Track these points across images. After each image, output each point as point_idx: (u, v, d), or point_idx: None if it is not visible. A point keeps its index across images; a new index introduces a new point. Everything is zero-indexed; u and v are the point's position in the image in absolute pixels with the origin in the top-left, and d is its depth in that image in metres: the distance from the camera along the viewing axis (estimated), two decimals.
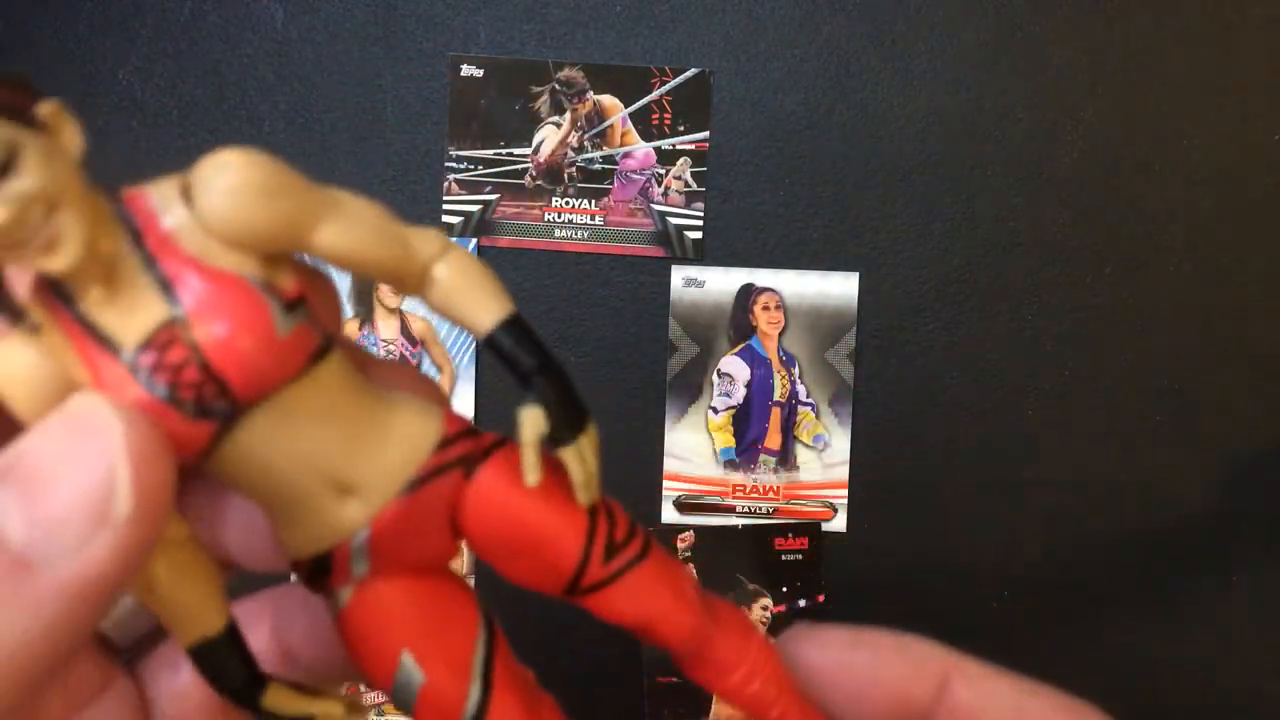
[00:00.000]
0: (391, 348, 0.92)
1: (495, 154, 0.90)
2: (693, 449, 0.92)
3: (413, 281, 0.23)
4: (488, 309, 0.22)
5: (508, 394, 0.89)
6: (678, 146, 0.90)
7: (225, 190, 0.21)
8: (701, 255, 0.91)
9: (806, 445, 0.92)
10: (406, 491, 0.21)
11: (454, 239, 0.91)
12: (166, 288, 0.20)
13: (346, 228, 0.22)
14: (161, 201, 0.21)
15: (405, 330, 0.91)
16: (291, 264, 0.22)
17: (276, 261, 0.21)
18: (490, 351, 0.23)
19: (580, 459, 0.23)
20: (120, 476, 0.18)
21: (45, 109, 0.21)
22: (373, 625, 0.22)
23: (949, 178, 0.90)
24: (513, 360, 0.23)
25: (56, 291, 0.20)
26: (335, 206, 0.22)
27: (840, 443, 0.92)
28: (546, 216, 0.91)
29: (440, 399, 0.24)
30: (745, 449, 0.92)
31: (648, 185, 0.90)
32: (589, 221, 0.91)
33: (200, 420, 0.20)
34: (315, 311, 0.22)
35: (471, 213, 0.91)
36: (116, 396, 0.19)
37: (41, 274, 0.20)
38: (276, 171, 0.22)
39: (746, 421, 0.92)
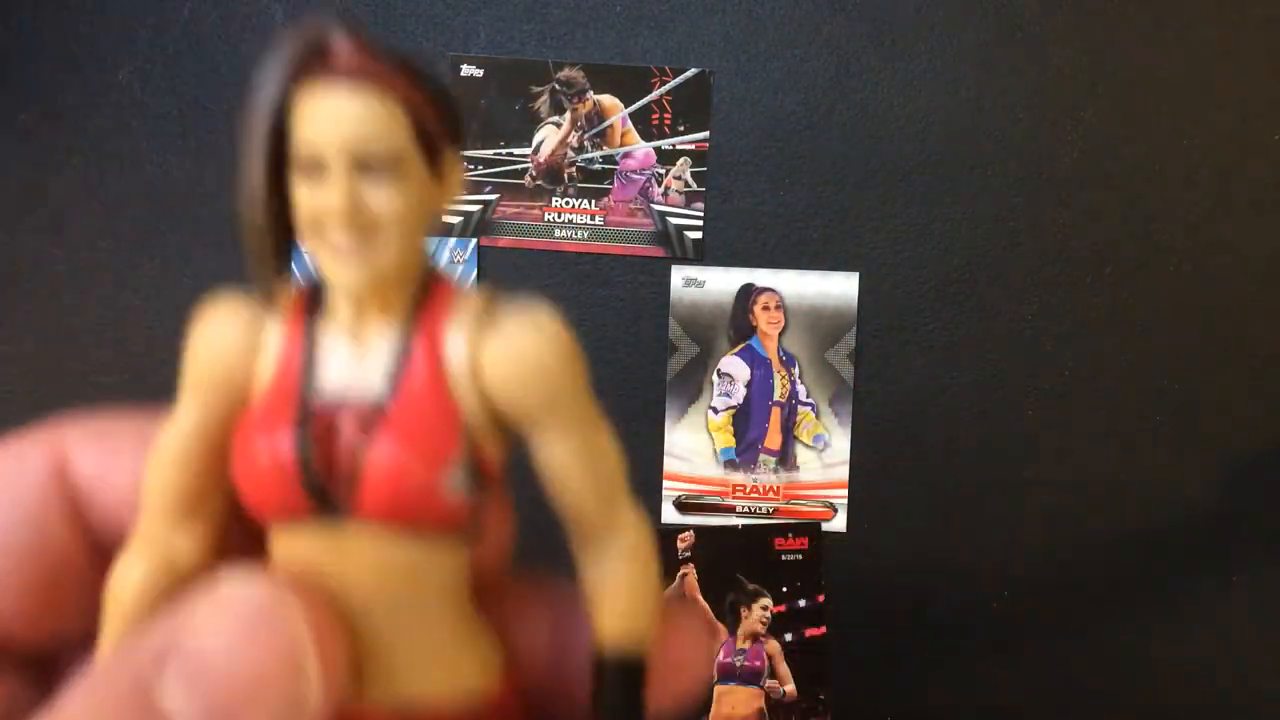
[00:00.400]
0: None
1: (495, 154, 0.90)
2: (693, 449, 0.92)
3: (586, 533, 0.22)
4: (623, 623, 0.21)
5: None
6: (678, 146, 0.90)
7: (526, 348, 0.21)
8: (701, 255, 0.91)
9: (806, 445, 0.92)
10: (407, 712, 0.20)
11: (454, 240, 0.91)
12: (395, 373, 0.20)
13: (581, 451, 0.21)
14: (460, 300, 0.21)
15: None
16: (505, 443, 0.22)
17: (499, 429, 0.21)
18: (593, 662, 0.21)
19: None
20: (309, 664, 0.18)
21: (451, 149, 0.21)
22: None
23: (949, 178, 0.90)
24: (604, 693, 0.21)
25: (312, 296, 0.21)
26: (588, 425, 0.22)
27: (840, 443, 0.92)
28: (546, 216, 0.91)
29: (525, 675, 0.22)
30: (745, 449, 0.92)
31: (648, 185, 0.91)
32: (589, 221, 0.91)
33: (305, 493, 0.19)
34: (485, 505, 0.21)
35: (471, 213, 0.91)
36: (261, 413, 0.20)
37: (326, 275, 0.20)
38: (575, 364, 0.22)
39: (746, 421, 0.92)
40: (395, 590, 0.20)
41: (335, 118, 0.19)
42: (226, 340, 0.20)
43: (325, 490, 0.19)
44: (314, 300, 0.20)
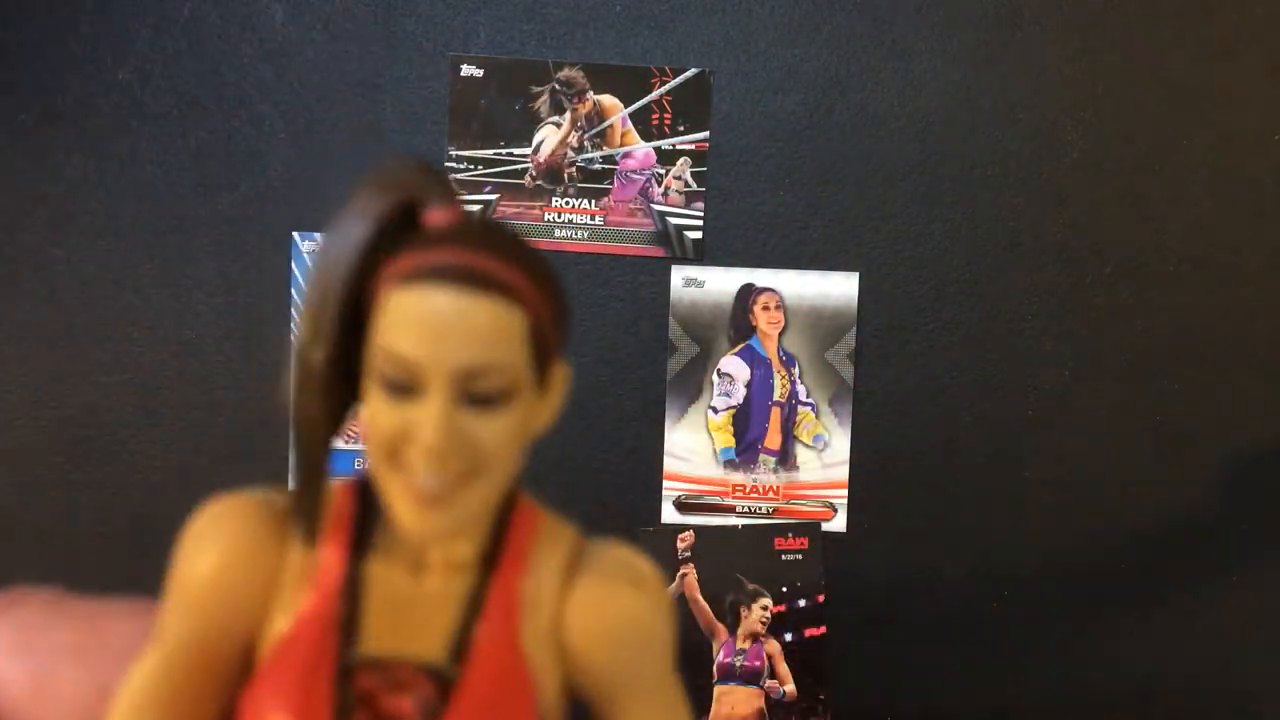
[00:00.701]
0: None
1: (495, 154, 0.90)
2: (693, 449, 0.92)
3: None
4: None
5: None
6: (678, 146, 0.90)
7: (624, 609, 0.16)
8: (701, 255, 0.91)
9: (806, 445, 0.92)
10: None
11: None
12: (461, 639, 0.14)
13: (658, 711, 0.18)
14: (545, 536, 0.16)
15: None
16: (566, 714, 0.17)
17: (564, 699, 0.17)
18: None
19: None
20: None
21: (562, 367, 0.16)
22: None
23: (949, 178, 0.90)
24: None
25: (360, 511, 0.15)
26: (671, 699, 0.17)
27: (840, 443, 0.92)
28: (546, 216, 0.91)
29: None
30: (745, 449, 0.92)
31: (648, 185, 0.90)
32: (589, 221, 0.91)
33: None
34: None
35: (472, 213, 0.91)
36: (284, 678, 0.14)
37: (398, 515, 0.15)
38: (670, 630, 0.17)
39: (746, 421, 0.92)
40: None
41: (444, 326, 0.14)
42: (241, 564, 0.15)
43: None
44: (362, 517, 0.15)
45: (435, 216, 0.14)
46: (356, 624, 0.14)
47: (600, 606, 0.16)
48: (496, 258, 0.14)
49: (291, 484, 0.14)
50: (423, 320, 0.14)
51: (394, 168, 0.15)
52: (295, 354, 0.14)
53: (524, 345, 0.14)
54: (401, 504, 0.14)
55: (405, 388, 0.14)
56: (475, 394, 0.14)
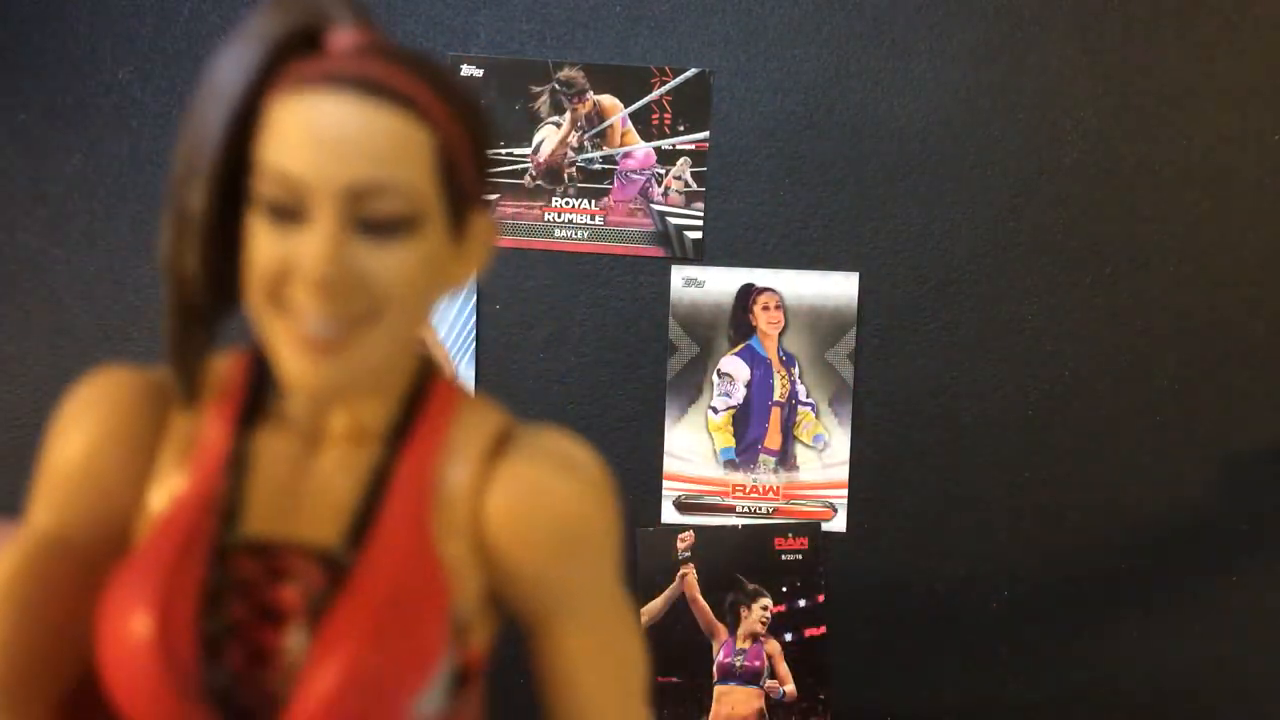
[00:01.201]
0: None
1: (495, 154, 0.90)
2: (693, 449, 0.92)
3: None
4: None
5: (505, 394, 0.89)
6: (678, 146, 0.90)
7: (554, 499, 0.14)
8: (701, 255, 0.91)
9: (806, 445, 0.92)
10: None
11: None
12: (363, 520, 0.13)
13: (603, 650, 0.14)
14: (465, 413, 0.14)
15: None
16: (495, 621, 0.14)
17: (490, 608, 0.14)
18: None
19: None
20: None
21: (482, 198, 0.13)
22: None
23: (949, 178, 0.90)
24: None
25: (251, 380, 0.13)
26: (614, 615, 0.14)
27: (840, 443, 0.92)
28: (546, 216, 0.91)
29: None
30: (745, 449, 0.92)
31: (648, 185, 0.90)
32: (589, 221, 0.91)
33: (185, 703, 0.12)
34: (460, 711, 0.14)
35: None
36: (149, 562, 0.12)
37: (281, 366, 0.13)
38: (612, 527, 0.14)
39: (746, 421, 0.92)
40: None
41: (332, 138, 0.12)
42: (114, 446, 0.13)
43: (233, 700, 0.12)
44: (254, 387, 0.13)
45: (341, 39, 0.12)
46: (240, 504, 0.12)
47: (527, 498, 0.13)
48: (401, 70, 0.12)
49: (161, 353, 0.13)
50: (310, 131, 0.12)
51: None
52: (167, 198, 0.12)
53: (430, 170, 0.12)
54: (286, 352, 0.12)
55: (289, 211, 0.12)
56: (369, 218, 0.12)
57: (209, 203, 0.11)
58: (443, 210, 0.13)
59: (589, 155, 0.90)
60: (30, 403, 0.92)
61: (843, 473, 0.92)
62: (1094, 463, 0.91)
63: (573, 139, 0.90)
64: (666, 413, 0.91)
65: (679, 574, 0.89)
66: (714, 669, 0.90)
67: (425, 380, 0.14)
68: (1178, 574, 0.92)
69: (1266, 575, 0.92)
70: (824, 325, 0.91)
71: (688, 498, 0.92)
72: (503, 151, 0.90)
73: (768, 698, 0.90)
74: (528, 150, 0.90)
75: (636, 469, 0.91)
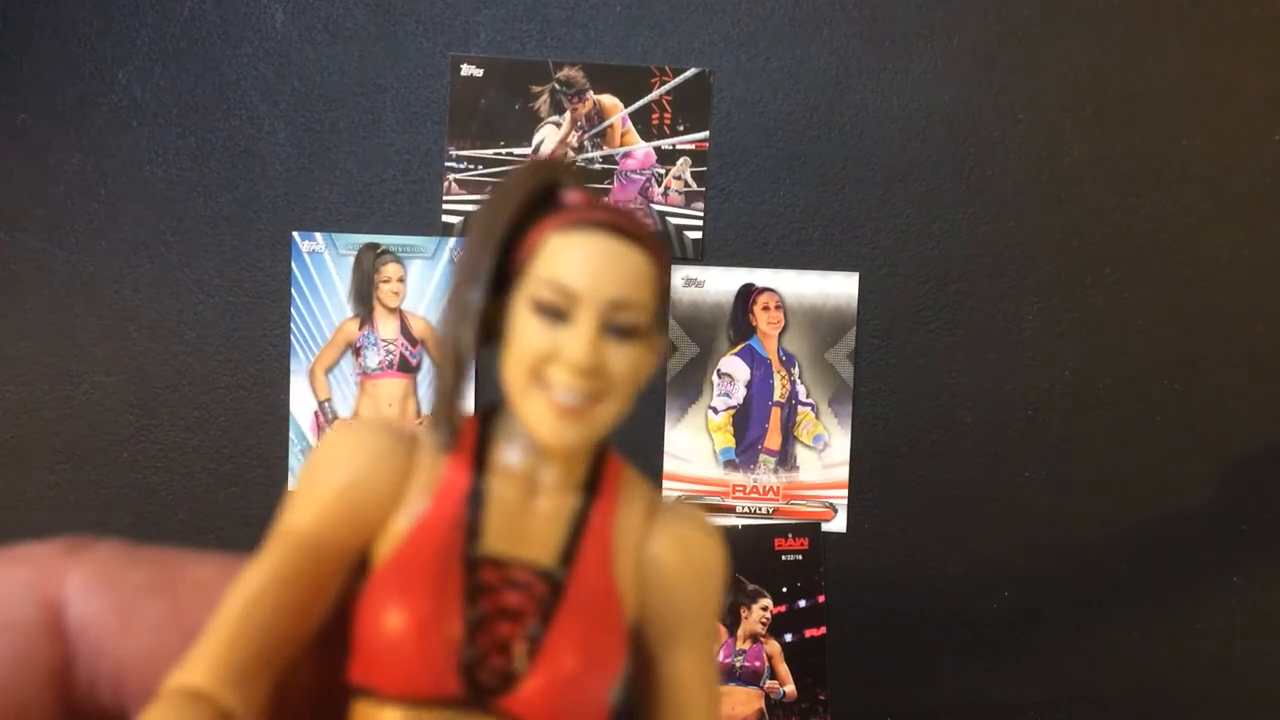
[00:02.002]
0: (391, 347, 0.92)
1: (495, 154, 0.90)
2: (693, 449, 0.92)
3: None
4: None
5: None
6: (678, 146, 0.90)
7: (698, 551, 0.19)
8: (701, 255, 0.91)
9: (806, 445, 0.92)
10: None
11: (454, 240, 0.91)
12: (569, 550, 0.18)
13: (706, 668, 0.20)
14: (630, 490, 0.19)
15: (405, 329, 0.91)
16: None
17: (638, 627, 0.19)
18: None
19: None
20: None
21: (662, 336, 0.19)
22: None
23: (949, 178, 0.90)
24: None
25: (478, 449, 0.18)
26: (713, 643, 0.20)
27: (840, 443, 0.92)
28: None
29: None
30: (745, 449, 0.92)
31: (648, 185, 0.91)
32: None
33: (457, 676, 0.17)
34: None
35: (468, 225, 0.91)
36: (418, 568, 0.17)
37: (533, 426, 0.18)
38: (726, 578, 0.20)
39: (746, 421, 0.92)
40: None
41: (602, 265, 0.17)
42: (374, 474, 0.18)
43: (476, 675, 0.17)
44: (481, 440, 0.18)
45: (573, 195, 0.18)
46: (479, 528, 0.17)
47: (681, 545, 0.19)
48: (633, 219, 0.18)
49: (432, 405, 0.18)
50: (585, 256, 0.17)
51: (537, 160, 0.19)
52: (451, 297, 0.18)
53: (653, 294, 0.18)
54: (542, 416, 0.17)
55: (558, 313, 0.17)
56: (615, 324, 0.17)
57: (484, 301, 0.17)
58: (651, 325, 0.18)
59: (589, 155, 0.91)
60: (30, 403, 0.92)
61: (843, 473, 0.92)
62: (1094, 463, 0.91)
63: (573, 139, 0.90)
64: (666, 413, 0.91)
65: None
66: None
67: (603, 449, 0.19)
68: (1178, 574, 0.92)
69: (1266, 575, 0.92)
70: (824, 325, 0.91)
71: (688, 498, 0.92)
72: (503, 151, 0.90)
73: (768, 698, 0.91)
74: (528, 150, 0.90)
75: (637, 469, 0.91)
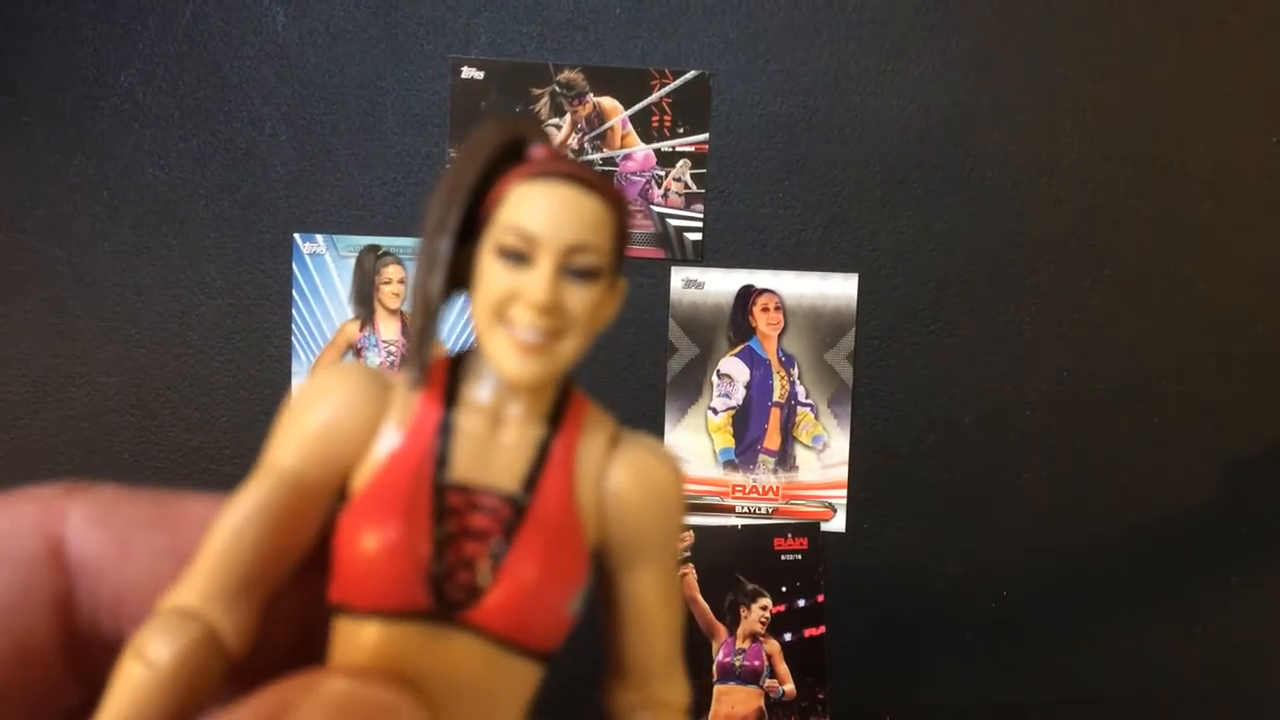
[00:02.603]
0: (392, 348, 0.92)
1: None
2: (693, 449, 0.92)
3: (646, 673, 0.21)
4: None
5: None
6: (677, 148, 0.90)
7: (656, 480, 0.21)
8: (701, 256, 0.91)
9: (806, 446, 0.92)
10: None
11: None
12: (532, 477, 0.19)
13: (668, 591, 0.21)
14: (593, 416, 0.21)
15: (406, 330, 0.92)
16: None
17: (599, 548, 0.21)
18: None
19: None
20: None
21: (621, 280, 0.21)
22: None
23: (949, 178, 0.90)
24: None
25: (449, 387, 0.20)
26: (674, 568, 0.22)
27: (839, 443, 0.92)
28: None
29: None
30: (745, 449, 0.92)
31: (648, 187, 0.91)
32: None
33: (427, 589, 0.18)
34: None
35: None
36: (390, 494, 0.18)
37: (498, 362, 0.20)
38: (684, 506, 0.22)
39: (746, 422, 0.92)
40: (484, 698, 0.19)
41: (560, 212, 0.19)
42: (351, 412, 0.19)
43: (444, 589, 0.18)
44: (452, 379, 0.20)
45: (538, 150, 0.20)
46: (447, 457, 0.19)
47: (641, 472, 0.20)
48: (597, 174, 0.20)
49: (405, 347, 0.20)
50: (545, 203, 0.19)
51: (504, 117, 0.21)
52: (421, 243, 0.19)
53: (610, 240, 0.19)
54: (505, 353, 0.19)
55: (521, 257, 0.19)
56: (573, 267, 0.19)
57: (451, 248, 0.19)
58: (609, 269, 0.20)
59: (589, 157, 0.91)
60: (30, 403, 0.92)
61: (842, 473, 0.92)
62: (1094, 463, 0.91)
63: (573, 141, 0.91)
64: (666, 413, 0.92)
65: (679, 574, 0.90)
66: (714, 669, 0.90)
67: (567, 385, 0.21)
68: (1178, 574, 0.92)
69: (1266, 575, 0.92)
70: (824, 326, 0.91)
71: (687, 498, 0.92)
72: None
73: (767, 697, 0.91)
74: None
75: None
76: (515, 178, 0.20)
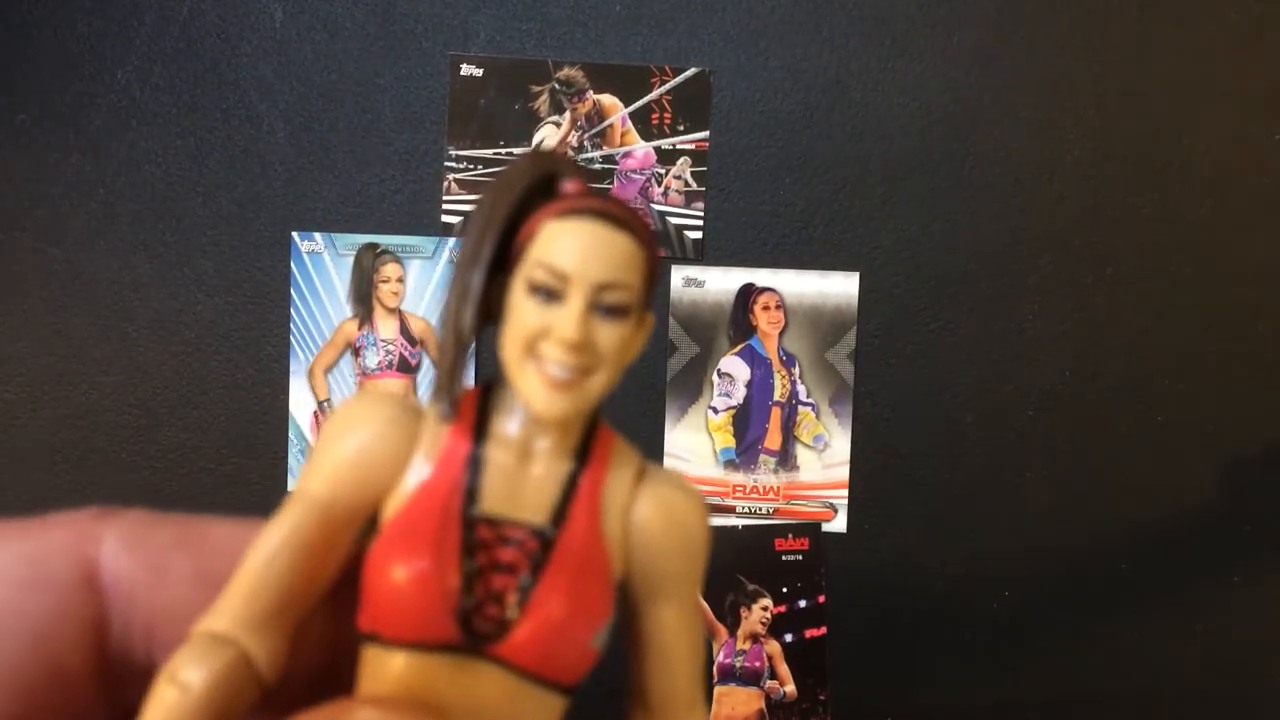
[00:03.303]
0: (391, 347, 0.91)
1: (495, 153, 0.90)
2: (693, 449, 0.92)
3: (667, 710, 0.22)
4: None
5: None
6: (678, 146, 0.90)
7: (681, 516, 0.21)
8: (702, 255, 0.91)
9: (806, 445, 0.92)
10: None
11: (454, 240, 0.91)
12: (560, 511, 0.20)
13: (690, 626, 0.22)
14: (619, 450, 0.22)
15: (405, 330, 0.91)
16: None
17: (624, 581, 0.21)
18: None
19: None
20: None
21: (649, 315, 0.21)
22: None
23: (949, 178, 0.90)
24: None
25: (478, 420, 0.20)
26: (696, 603, 0.22)
27: (840, 443, 0.92)
28: None
29: None
30: (745, 449, 0.92)
31: (648, 185, 0.90)
32: None
33: (455, 622, 0.19)
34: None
35: (471, 212, 0.91)
36: (420, 526, 0.19)
37: (528, 397, 0.20)
38: (709, 542, 0.22)
39: (746, 421, 0.92)
40: None
41: (591, 250, 0.19)
42: (382, 442, 0.20)
43: (472, 622, 0.19)
44: (481, 412, 0.20)
45: (570, 185, 0.20)
46: (477, 490, 0.19)
47: (664, 506, 0.21)
48: (628, 210, 0.20)
49: (435, 380, 0.20)
50: (576, 241, 0.19)
51: (538, 151, 0.21)
52: (454, 276, 0.19)
53: (640, 277, 0.20)
54: (535, 388, 0.19)
55: (551, 293, 0.19)
56: (603, 304, 0.19)
57: (483, 281, 0.19)
58: (638, 305, 0.20)
59: (589, 155, 0.90)
60: (30, 403, 0.92)
61: (843, 473, 0.92)
62: (1094, 463, 0.91)
63: (573, 138, 0.90)
64: (666, 413, 0.91)
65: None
66: (714, 670, 0.90)
67: (595, 420, 0.21)
68: (1178, 574, 0.92)
69: (1266, 575, 0.92)
70: (824, 325, 0.91)
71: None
72: (502, 151, 0.90)
73: (768, 698, 0.90)
74: (527, 150, 0.90)
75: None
76: (547, 214, 0.20)
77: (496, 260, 0.19)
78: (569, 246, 0.19)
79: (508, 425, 0.20)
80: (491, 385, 0.21)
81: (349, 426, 0.20)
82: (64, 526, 0.20)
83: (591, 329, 0.19)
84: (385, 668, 0.19)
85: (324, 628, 0.20)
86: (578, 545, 0.19)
